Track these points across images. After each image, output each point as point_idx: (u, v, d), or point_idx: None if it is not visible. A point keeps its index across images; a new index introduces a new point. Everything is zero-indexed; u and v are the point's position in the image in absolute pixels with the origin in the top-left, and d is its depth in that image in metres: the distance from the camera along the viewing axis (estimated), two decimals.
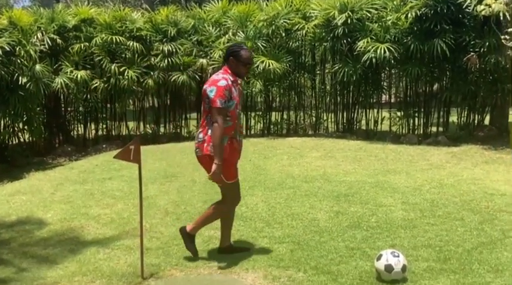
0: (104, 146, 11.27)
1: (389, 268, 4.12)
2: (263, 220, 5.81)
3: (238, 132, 4.74)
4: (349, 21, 10.69)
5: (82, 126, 12.22)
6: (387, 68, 12.08)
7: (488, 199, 6.43)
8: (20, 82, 9.73)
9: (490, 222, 5.60)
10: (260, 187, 7.08)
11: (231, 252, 4.83)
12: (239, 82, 4.70)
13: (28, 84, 9.80)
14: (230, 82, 4.49)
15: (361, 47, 10.52)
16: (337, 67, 11.14)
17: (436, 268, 4.38)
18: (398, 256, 4.18)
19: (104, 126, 12.29)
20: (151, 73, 11.39)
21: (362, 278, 4.28)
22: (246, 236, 5.33)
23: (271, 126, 12.25)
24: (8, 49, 9.50)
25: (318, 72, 12.66)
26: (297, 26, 11.32)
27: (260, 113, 12.42)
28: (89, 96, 11.63)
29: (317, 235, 5.33)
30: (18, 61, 9.87)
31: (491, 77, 10.72)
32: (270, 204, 6.36)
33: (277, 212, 6.05)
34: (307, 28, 11.20)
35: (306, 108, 12.69)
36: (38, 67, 10.09)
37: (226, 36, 11.57)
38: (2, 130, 10.55)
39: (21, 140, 11.09)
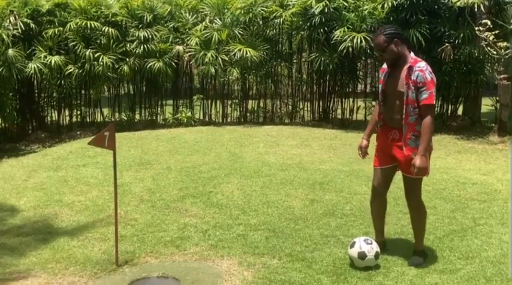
0: (79, 133, 11.12)
1: (362, 255, 4.17)
2: (239, 208, 5.83)
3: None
4: (326, 10, 10.69)
5: (56, 112, 12.01)
6: (363, 58, 12.17)
7: (460, 188, 6.56)
8: None
9: (461, 210, 5.72)
10: (236, 175, 7.09)
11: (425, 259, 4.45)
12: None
13: (0, 69, 9.59)
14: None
15: (337, 36, 10.54)
16: (313, 56, 11.16)
17: (408, 255, 4.45)
18: (371, 243, 4.24)
19: (79, 112, 12.10)
20: (127, 59, 11.23)
21: (336, 264, 4.33)
22: (222, 224, 5.34)
23: (248, 114, 12.24)
24: None
25: (294, 60, 12.67)
26: (274, 14, 11.28)
27: (237, 101, 12.40)
28: (63, 81, 11.39)
29: (292, 222, 5.38)
30: None
31: (465, 68, 10.87)
32: (246, 192, 6.38)
33: (253, 200, 6.08)
34: (285, 16, 11.17)
35: (283, 96, 12.70)
36: (10, 51, 9.88)
37: (203, 23, 11.47)
38: None
39: None
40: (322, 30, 10.99)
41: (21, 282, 4.09)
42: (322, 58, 10.83)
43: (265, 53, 11.29)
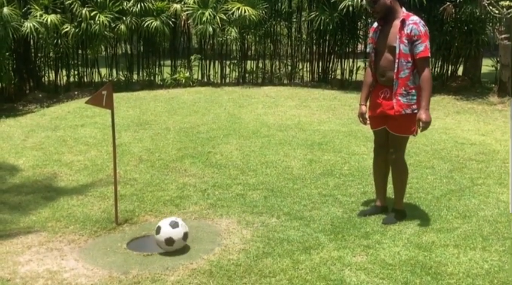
0: (76, 93, 11.06)
1: (169, 241, 3.84)
2: (237, 168, 5.84)
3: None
4: None
5: (53, 72, 11.91)
6: (364, 17, 11.99)
7: (459, 148, 6.57)
8: None
9: (459, 170, 5.74)
10: (235, 136, 7.08)
11: (402, 219, 4.43)
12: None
13: None
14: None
15: None
16: (313, 15, 11.00)
17: (407, 216, 4.48)
18: (177, 227, 3.89)
19: (76, 72, 12.01)
20: (124, 18, 11.05)
21: (334, 223, 4.36)
22: (221, 183, 5.37)
23: (247, 75, 12.15)
24: None
25: (294, 20, 12.50)
26: None
27: (235, 61, 12.28)
28: (59, 41, 11.26)
29: (290, 182, 5.40)
30: None
31: (466, 28, 10.74)
32: (245, 152, 6.38)
33: (252, 160, 6.09)
34: None
35: (282, 56, 12.59)
36: (5, 10, 9.70)
37: None
38: None
39: None
40: None
41: (21, 240, 4.12)
42: (322, 18, 10.69)
43: (264, 12, 11.12)
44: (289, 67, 12.29)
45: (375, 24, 4.37)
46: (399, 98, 4.14)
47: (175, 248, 3.89)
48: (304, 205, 4.78)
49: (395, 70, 4.11)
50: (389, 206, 4.60)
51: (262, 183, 5.37)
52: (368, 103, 4.50)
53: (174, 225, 3.87)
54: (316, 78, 12.14)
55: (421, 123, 4.07)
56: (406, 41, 4.05)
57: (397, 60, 4.09)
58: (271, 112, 8.51)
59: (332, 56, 12.12)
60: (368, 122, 4.53)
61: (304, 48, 12.55)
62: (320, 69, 12.19)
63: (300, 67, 12.34)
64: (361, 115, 4.54)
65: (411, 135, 4.30)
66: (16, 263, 3.73)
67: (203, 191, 5.17)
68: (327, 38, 11.96)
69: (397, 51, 4.08)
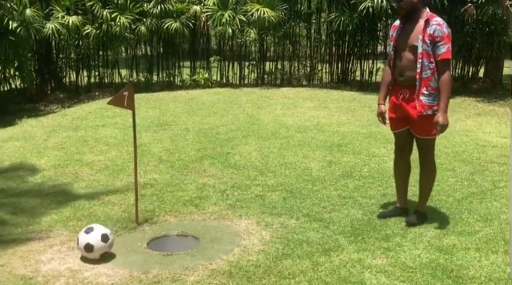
0: (97, 93, 11.17)
1: (89, 248, 3.75)
2: (256, 169, 5.85)
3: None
4: None
5: (74, 72, 12.04)
6: (384, 18, 11.91)
7: (480, 151, 6.50)
8: (10, 27, 9.50)
9: (480, 173, 5.67)
10: (254, 137, 7.09)
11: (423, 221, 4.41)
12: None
13: (19, 29, 9.57)
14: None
15: None
16: (333, 16, 10.97)
17: (427, 217, 4.44)
18: (91, 231, 3.80)
19: (97, 73, 12.12)
20: (144, 20, 11.13)
21: (354, 225, 4.35)
22: (240, 184, 5.38)
23: (265, 76, 12.15)
24: None
25: (313, 21, 12.46)
26: None
27: (254, 62, 12.28)
28: (80, 42, 11.39)
29: (310, 183, 5.39)
30: (8, 5, 9.59)
31: (487, 29, 10.60)
32: (264, 153, 6.39)
33: (271, 161, 6.09)
34: None
35: (301, 58, 12.56)
36: (28, 11, 9.83)
37: None
38: None
39: (13, 86, 10.95)
40: None
41: (43, 239, 4.17)
42: (342, 19, 10.65)
43: (283, 13, 11.11)
44: (308, 69, 12.27)
45: (397, 22, 4.35)
46: (421, 98, 4.11)
47: (100, 253, 3.78)
48: (324, 207, 4.77)
49: (418, 70, 4.07)
50: (410, 209, 4.57)
51: (281, 184, 5.37)
52: (387, 104, 4.48)
53: (87, 231, 3.79)
54: (335, 79, 12.10)
55: (438, 126, 4.04)
56: (428, 42, 4.02)
57: (419, 60, 4.06)
58: (290, 114, 8.50)
59: (351, 57, 12.06)
60: (387, 122, 4.50)
61: (323, 49, 12.51)
62: (339, 70, 12.14)
63: (319, 68, 12.31)
64: (380, 114, 4.51)
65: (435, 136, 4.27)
66: (38, 262, 3.79)
67: (222, 191, 5.19)
68: (347, 39, 11.91)
69: (420, 51, 4.05)
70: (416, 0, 4.11)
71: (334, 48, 12.29)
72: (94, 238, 3.76)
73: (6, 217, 4.65)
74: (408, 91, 4.20)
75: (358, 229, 4.27)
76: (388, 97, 4.46)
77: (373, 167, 5.87)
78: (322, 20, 12.36)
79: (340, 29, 10.81)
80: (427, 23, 4.04)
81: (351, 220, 4.48)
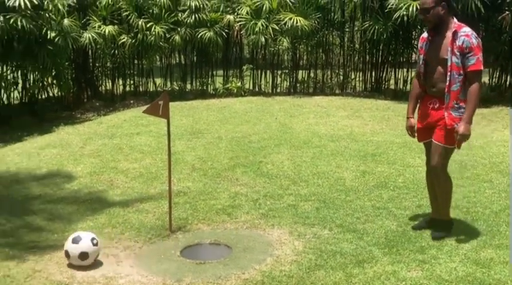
0: (132, 102, 11.35)
1: (84, 256, 3.82)
2: (289, 178, 5.83)
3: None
4: None
5: (110, 81, 12.27)
6: (418, 26, 11.75)
7: None
8: (48, 37, 9.75)
9: None
10: (286, 145, 7.08)
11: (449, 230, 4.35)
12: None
13: (57, 39, 9.81)
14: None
15: (392, 4, 10.24)
16: (367, 25, 10.90)
17: (463, 230, 4.35)
18: (81, 239, 3.86)
19: (132, 81, 12.33)
20: (178, 29, 11.28)
21: (388, 237, 4.29)
22: (272, 193, 5.37)
23: (298, 85, 12.14)
24: (36, 3, 9.46)
25: (347, 29, 12.40)
26: None
27: (286, 71, 12.29)
28: (116, 51, 11.63)
29: (343, 193, 5.34)
30: (47, 15, 9.85)
31: None
32: (296, 162, 6.37)
33: (303, 171, 6.07)
34: None
35: (334, 66, 12.51)
36: (66, 21, 10.07)
37: None
38: (31, 85, 10.68)
39: (50, 94, 11.22)
40: None
41: None
42: (376, 27, 10.58)
43: (316, 22, 11.10)
44: (341, 77, 12.20)
45: (425, 34, 4.28)
46: (451, 112, 4.03)
47: (91, 258, 3.84)
48: (357, 218, 4.72)
49: (447, 83, 4.00)
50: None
51: (314, 194, 5.34)
52: (416, 115, 4.41)
53: (75, 240, 3.84)
54: (369, 88, 12.00)
55: (458, 136, 3.95)
56: (458, 53, 3.95)
57: (449, 73, 3.99)
58: (322, 122, 8.46)
59: (385, 66, 11.95)
60: (416, 134, 4.43)
61: (356, 57, 12.44)
62: (373, 78, 12.03)
63: (352, 77, 12.23)
64: (410, 128, 4.44)
65: (455, 148, 4.16)
66: (74, 268, 3.85)
67: (255, 200, 5.19)
68: (381, 47, 11.81)
69: (449, 64, 3.98)
70: (443, 12, 4.02)
71: (367, 57, 12.19)
72: (86, 245, 3.83)
73: (43, 223, 4.75)
74: (438, 101, 4.13)
75: (393, 241, 4.21)
76: (417, 108, 4.39)
77: (408, 177, 5.79)
78: (356, 28, 12.28)
79: (374, 37, 10.74)
80: (455, 34, 3.97)
81: (385, 231, 4.42)
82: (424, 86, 4.27)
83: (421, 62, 4.28)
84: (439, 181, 4.26)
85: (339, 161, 6.39)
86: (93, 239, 3.89)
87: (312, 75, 12.23)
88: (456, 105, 4.02)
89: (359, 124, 8.35)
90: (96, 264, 3.90)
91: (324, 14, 11.59)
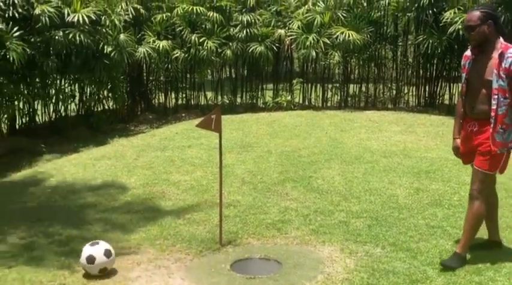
0: (184, 115, 11.53)
1: (91, 259, 3.89)
2: (340, 194, 5.76)
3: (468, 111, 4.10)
4: None
5: (163, 94, 12.53)
6: None
7: None
8: (105, 51, 10.07)
9: None
10: (337, 160, 7.01)
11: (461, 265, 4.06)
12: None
13: (113, 53, 10.11)
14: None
15: (447, 18, 10.04)
16: (421, 39, 10.72)
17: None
18: (97, 244, 3.99)
19: (184, 95, 12.55)
20: (230, 44, 11.43)
21: (442, 257, 4.16)
22: (323, 209, 5.31)
23: (349, 99, 12.03)
24: (94, 18, 9.81)
25: (400, 43, 12.22)
26: None
27: (337, 85, 12.20)
28: (169, 65, 11.91)
29: (396, 211, 5.23)
30: (104, 30, 10.19)
31: None
32: (347, 178, 6.28)
33: (355, 187, 5.98)
34: None
35: (386, 80, 12.33)
36: (122, 36, 10.37)
37: (306, 6, 11.37)
38: (88, 97, 11.03)
39: (106, 107, 11.55)
40: (430, 11, 10.55)
41: (132, 257, 4.31)
42: (430, 41, 10.39)
43: (368, 36, 11.01)
44: (394, 91, 12.01)
45: (468, 52, 4.09)
46: (495, 137, 3.85)
47: (99, 267, 3.89)
48: (411, 236, 4.60)
49: (494, 107, 3.81)
50: (507, 240, 4.31)
51: (366, 211, 5.25)
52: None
53: (94, 243, 3.96)
54: (422, 103, 11.75)
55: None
56: (504, 76, 3.77)
57: (494, 96, 3.80)
58: (374, 137, 8.33)
59: (440, 80, 11.69)
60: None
61: (410, 71, 12.23)
62: (427, 93, 11.78)
63: (405, 91, 12.02)
64: (455, 149, 4.28)
65: (497, 173, 3.99)
66: (126, 279, 3.91)
67: (305, 216, 5.15)
68: (435, 61, 11.57)
69: (496, 86, 3.79)
70: (489, 31, 3.85)
71: (421, 71, 11.97)
72: (98, 251, 3.92)
73: (98, 233, 4.86)
74: (477, 124, 3.97)
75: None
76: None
77: (463, 195, 5.60)
78: (409, 42, 12.09)
79: (428, 51, 10.54)
80: (501, 55, 3.78)
81: (440, 250, 4.29)
82: (464, 105, 4.11)
83: (463, 81, 4.11)
84: (472, 206, 4.03)
85: (392, 177, 6.27)
86: (107, 250, 3.98)
87: (363, 89, 12.10)
88: (501, 130, 3.84)
89: (412, 139, 8.18)
90: (149, 275, 3.95)
91: (376, 27, 11.48)
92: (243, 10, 11.58)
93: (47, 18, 9.04)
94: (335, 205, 5.44)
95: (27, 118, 10.03)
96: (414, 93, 11.96)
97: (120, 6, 10.91)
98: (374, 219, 5.03)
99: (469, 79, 4.04)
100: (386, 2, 10.95)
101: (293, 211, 5.29)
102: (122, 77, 11.32)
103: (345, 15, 10.98)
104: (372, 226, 4.85)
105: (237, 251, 4.39)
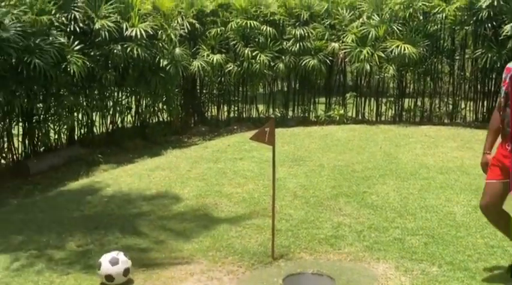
0: (235, 127, 11.62)
1: (110, 278, 4.00)
2: (395, 210, 5.64)
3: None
4: (495, 3, 9.92)
5: (215, 107, 12.69)
6: None
7: None
8: (161, 65, 10.31)
9: None
10: (391, 176, 6.87)
11: None
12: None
13: (168, 67, 10.34)
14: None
15: (507, 32, 9.73)
16: (479, 53, 10.43)
17: None
18: (117, 263, 3.98)
19: (236, 108, 12.66)
20: (283, 57, 11.47)
21: (502, 277, 3.99)
22: (377, 225, 5.21)
23: (404, 113, 11.81)
24: (151, 33, 10.09)
25: (457, 57, 11.92)
26: (436, 9, 10.74)
27: (392, 99, 12.01)
28: (222, 79, 12.07)
29: (453, 229, 5.07)
30: (160, 44, 10.46)
31: None
32: (402, 194, 6.15)
33: (410, 203, 5.84)
34: (448, 11, 10.59)
35: (442, 95, 12.02)
36: (177, 50, 10.60)
37: (360, 19, 11.29)
38: (144, 109, 11.29)
39: (160, 119, 11.78)
40: (489, 24, 10.26)
41: (185, 267, 4.36)
42: (489, 55, 10.09)
43: (424, 49, 10.80)
44: (450, 106, 11.70)
45: (511, 64, 3.87)
46: None
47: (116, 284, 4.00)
48: (469, 255, 4.45)
49: None
50: None
51: (421, 228, 5.11)
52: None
53: (114, 263, 3.97)
54: (480, 118, 11.39)
55: None
56: None
57: None
58: (430, 153, 8.13)
59: (498, 95, 11.31)
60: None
61: (467, 86, 11.89)
62: (485, 108, 11.42)
63: (462, 106, 11.69)
64: (485, 165, 4.02)
65: None
66: None
67: (359, 232, 5.06)
68: (493, 76, 11.21)
69: None
70: None
71: (479, 86, 11.62)
72: (117, 271, 4.01)
73: (152, 243, 4.94)
74: (511, 144, 3.74)
75: (509, 282, 3.91)
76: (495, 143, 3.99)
77: None
78: (467, 56, 11.78)
79: (487, 65, 10.24)
80: None
81: (500, 271, 4.12)
82: (502, 121, 3.85)
83: (502, 95, 3.88)
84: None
85: (449, 194, 6.09)
86: (126, 269, 4.07)
87: (418, 103, 11.85)
88: None
89: (470, 156, 7.93)
90: None
91: (432, 41, 11.25)
92: (297, 24, 11.61)
93: (107, 33, 9.36)
94: (390, 221, 5.32)
95: (86, 129, 10.35)
96: (472, 108, 11.62)
97: (176, 21, 11.16)
98: (430, 237, 4.89)
99: (509, 93, 3.79)
100: (444, 15, 10.72)
101: (346, 226, 5.21)
102: (176, 90, 11.55)
103: (400, 28, 10.83)
104: (428, 244, 4.71)
105: (289, 266, 4.36)
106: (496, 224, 4.10)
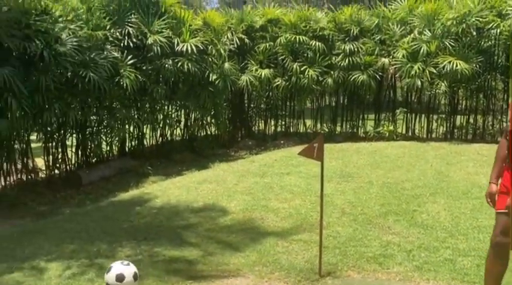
0: (282, 142, 11.62)
1: (120, 277, 3.67)
2: (446, 230, 5.48)
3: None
4: None
5: (263, 121, 12.74)
6: None
7: None
8: (210, 79, 10.47)
9: None
10: (442, 195, 6.70)
11: None
12: None
13: (217, 81, 10.49)
14: None
15: None
16: None
17: None
18: (128, 265, 3.77)
19: (283, 122, 12.67)
20: (331, 72, 11.42)
21: None
22: (427, 245, 5.08)
23: (455, 130, 11.52)
24: (201, 48, 10.27)
25: None
26: (490, 25, 10.47)
27: (443, 116, 11.74)
28: (270, 93, 12.12)
29: None
30: (210, 59, 10.63)
31: None
32: (454, 214, 5.98)
33: (462, 223, 5.67)
34: (502, 26, 10.30)
35: (496, 112, 11.68)
36: (226, 65, 10.74)
37: (411, 35, 11.13)
38: (192, 123, 11.46)
39: (208, 132, 11.92)
40: None
41: (231, 281, 4.37)
42: None
43: (478, 66, 10.53)
44: (504, 124, 11.34)
45: None
46: None
47: None
48: None
49: None
50: None
51: (474, 249, 4.95)
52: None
53: (126, 263, 3.83)
54: None
55: None
56: None
57: None
58: (483, 172, 7.87)
59: None
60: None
61: None
62: None
63: None
64: (491, 195, 3.79)
65: None
66: None
67: (408, 251, 4.95)
68: None
69: None
70: None
71: None
72: (129, 272, 3.78)
73: (198, 256, 4.98)
74: None
75: None
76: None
77: None
78: None
79: None
80: None
81: None
82: (509, 148, 3.62)
83: (510, 119, 3.71)
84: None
85: None
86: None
87: (471, 120, 11.55)
88: None
89: None
90: None
91: (486, 57, 10.96)
92: (346, 39, 11.56)
93: (159, 48, 9.59)
94: (440, 241, 5.18)
95: (136, 141, 10.59)
96: None
97: (226, 36, 11.32)
98: (483, 258, 4.70)
99: None
100: (498, 31, 10.44)
101: (395, 245, 5.11)
102: (224, 104, 11.67)
103: (452, 44, 10.61)
104: (480, 266, 4.55)
105: (336, 283, 4.31)
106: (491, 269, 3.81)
